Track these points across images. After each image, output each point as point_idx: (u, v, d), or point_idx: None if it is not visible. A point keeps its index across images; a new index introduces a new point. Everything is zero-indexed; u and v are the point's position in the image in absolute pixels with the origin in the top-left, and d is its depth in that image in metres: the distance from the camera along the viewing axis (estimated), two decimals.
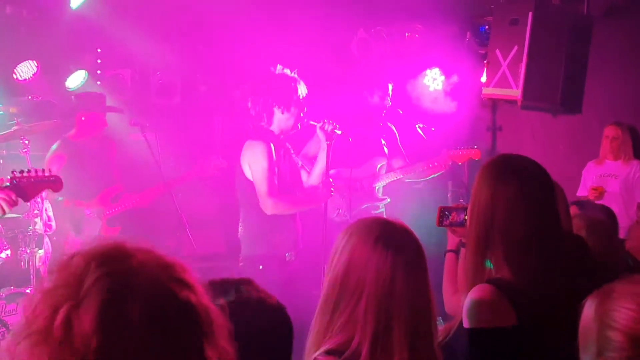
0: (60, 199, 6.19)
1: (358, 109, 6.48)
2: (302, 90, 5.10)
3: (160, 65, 7.80)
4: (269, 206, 4.95)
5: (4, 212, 3.87)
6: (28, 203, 5.50)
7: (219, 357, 1.25)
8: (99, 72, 7.48)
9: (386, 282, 2.17)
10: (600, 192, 6.47)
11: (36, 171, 4.07)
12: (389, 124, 6.51)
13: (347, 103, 6.83)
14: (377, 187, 6.34)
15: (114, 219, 6.47)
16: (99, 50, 7.53)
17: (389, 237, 2.23)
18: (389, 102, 6.43)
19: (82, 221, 6.32)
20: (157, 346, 1.18)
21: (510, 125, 7.90)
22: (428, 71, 7.74)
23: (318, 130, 5.19)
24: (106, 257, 1.24)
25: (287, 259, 5.10)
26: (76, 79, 7.16)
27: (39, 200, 5.61)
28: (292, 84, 5.07)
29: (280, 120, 5.08)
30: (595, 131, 6.88)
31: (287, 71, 5.11)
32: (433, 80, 7.70)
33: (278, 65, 5.10)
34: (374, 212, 6.31)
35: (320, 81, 7.31)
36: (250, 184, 5.01)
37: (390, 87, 6.44)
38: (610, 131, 6.65)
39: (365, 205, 6.30)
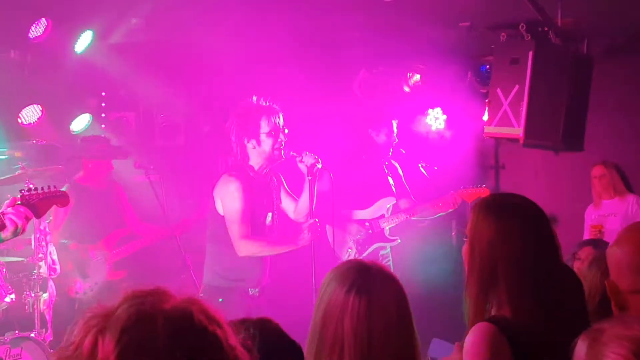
0: (65, 242, 6.24)
1: (363, 147, 6.54)
2: (277, 119, 4.96)
3: (164, 107, 7.85)
4: (240, 248, 4.86)
5: (23, 230, 3.94)
6: (33, 244, 5.57)
7: None
8: (103, 115, 7.53)
9: (364, 334, 2.15)
10: (599, 229, 6.51)
11: (42, 188, 4.15)
12: (393, 162, 6.58)
13: (351, 142, 6.90)
14: (387, 228, 6.35)
15: (119, 263, 6.49)
16: (103, 93, 7.57)
17: (363, 282, 2.21)
18: (395, 140, 6.49)
19: (88, 264, 6.32)
20: None
21: (512, 163, 7.95)
22: (430, 110, 7.85)
23: (299, 164, 5.02)
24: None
25: (250, 294, 5.02)
26: (81, 123, 7.21)
27: (43, 243, 5.65)
28: (261, 114, 4.94)
29: (254, 153, 4.98)
30: None
31: (262, 102, 4.99)
32: (435, 119, 7.80)
33: (254, 96, 5.02)
34: (382, 253, 6.35)
35: (322, 119, 7.38)
36: (221, 219, 4.91)
37: (394, 124, 6.51)
38: (596, 171, 6.75)
39: (374, 246, 6.31)
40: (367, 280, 2.23)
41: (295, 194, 5.27)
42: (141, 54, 7.09)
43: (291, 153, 5.00)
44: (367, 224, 6.31)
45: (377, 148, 6.48)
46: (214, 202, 4.96)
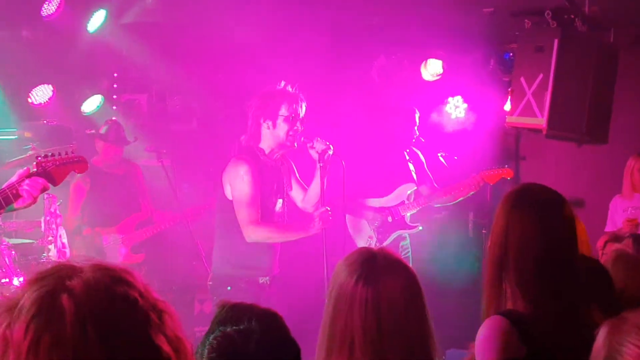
0: (81, 226, 6.29)
1: (384, 135, 6.51)
2: (298, 107, 4.97)
3: (177, 90, 7.85)
4: (249, 234, 4.83)
5: (35, 200, 3.89)
6: (42, 227, 5.59)
7: (170, 344, 1.28)
8: (115, 96, 7.54)
9: (372, 325, 2.15)
10: (635, 223, 6.44)
11: (59, 153, 4.08)
12: (414, 149, 6.55)
13: (370, 129, 6.89)
14: (407, 215, 6.34)
15: (138, 246, 6.55)
16: (115, 74, 7.59)
17: (370, 271, 2.21)
18: (417, 128, 6.47)
19: (103, 250, 6.38)
20: (92, 339, 1.22)
21: (534, 154, 7.89)
22: (450, 99, 7.78)
23: (310, 150, 5.01)
24: (43, 273, 1.30)
25: (260, 283, 5.01)
26: (92, 104, 7.22)
27: (53, 226, 5.66)
28: (284, 98, 4.95)
29: (267, 135, 4.98)
30: (621, 161, 6.85)
31: (289, 88, 5.00)
32: (455, 108, 7.73)
33: (282, 82, 5.02)
34: (402, 244, 6.34)
35: (340, 106, 7.38)
36: (230, 204, 4.90)
37: (417, 112, 6.50)
38: (636, 163, 6.65)
39: (395, 234, 6.31)
40: (374, 269, 2.23)
41: (306, 184, 5.26)
42: (155, 34, 7.10)
43: (302, 139, 4.99)
44: (385, 211, 6.30)
45: (397, 135, 6.46)
46: (223, 187, 4.95)
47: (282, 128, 4.94)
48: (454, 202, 6.36)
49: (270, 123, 4.93)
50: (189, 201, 6.74)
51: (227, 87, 7.73)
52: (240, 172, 4.85)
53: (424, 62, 7.59)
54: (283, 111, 4.93)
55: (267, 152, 5.01)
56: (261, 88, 5.14)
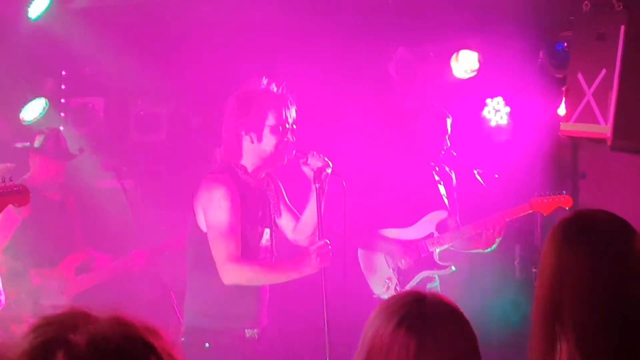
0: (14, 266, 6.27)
1: (405, 148, 6.54)
2: (288, 113, 4.97)
3: (141, 92, 7.93)
4: (227, 274, 4.80)
5: None
6: None
7: None
8: (63, 100, 7.63)
9: None
10: None
11: None
12: (446, 168, 6.60)
13: (387, 141, 7.04)
14: (436, 251, 6.36)
15: (81, 297, 6.53)
16: (63, 72, 7.66)
17: (416, 316, 2.22)
18: (448, 141, 6.48)
19: (43, 295, 6.38)
20: None
21: (596, 171, 7.87)
22: (489, 101, 7.83)
23: (303, 168, 4.99)
24: (48, 320, 1.32)
25: (247, 336, 5.01)
26: (34, 110, 7.24)
27: None
28: (270, 103, 4.94)
29: (250, 150, 4.98)
30: None
31: (273, 87, 4.99)
32: (495, 112, 7.77)
33: (264, 78, 4.99)
34: (429, 286, 6.34)
35: (346, 111, 7.43)
36: (204, 237, 4.87)
37: (449, 121, 6.50)
38: None
39: (421, 275, 6.34)
40: (421, 314, 2.24)
41: (299, 210, 5.24)
42: (114, 22, 7.11)
43: (294, 153, 4.98)
44: (410, 246, 6.33)
45: (423, 147, 6.50)
46: (195, 214, 4.92)
47: (269, 141, 4.94)
48: (489, 248, 6.35)
49: (254, 136, 4.93)
50: (157, 234, 6.76)
51: (204, 87, 7.73)
52: (216, 195, 4.83)
53: (454, 54, 7.60)
54: (270, 120, 4.93)
55: (250, 170, 5.00)
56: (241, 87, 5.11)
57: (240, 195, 4.89)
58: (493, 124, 7.81)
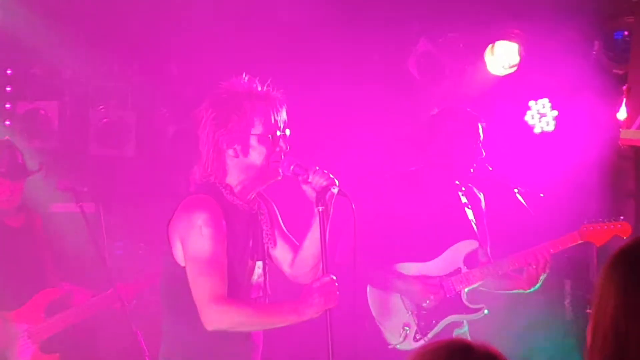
0: None
1: (428, 163, 6.42)
2: (277, 117, 4.88)
3: (104, 95, 7.96)
4: (211, 318, 4.65)
5: None
6: None
7: None
8: (7, 105, 7.69)
9: None
10: None
11: None
12: (474, 188, 6.54)
13: (402, 153, 7.03)
14: (465, 291, 6.29)
15: (50, 342, 6.56)
16: (8, 71, 7.70)
17: None
18: (481, 151, 6.35)
19: (11, 344, 6.46)
20: None
21: None
22: (532, 103, 7.85)
23: (304, 187, 4.85)
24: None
25: None
26: None
27: None
28: (255, 107, 4.83)
29: (235, 166, 4.87)
30: None
31: (257, 86, 4.87)
32: (540, 117, 7.80)
33: (244, 75, 4.87)
34: (457, 333, 6.30)
35: (353, 116, 7.39)
36: (181, 273, 4.73)
37: (480, 126, 6.39)
38: None
39: (447, 320, 6.25)
40: None
41: (297, 238, 5.14)
42: (70, 9, 7.20)
43: (291, 168, 4.81)
44: (433, 284, 6.19)
45: (449, 163, 6.37)
46: (171, 245, 4.76)
47: (258, 152, 4.82)
48: (531, 286, 6.24)
49: (238, 148, 4.80)
50: (125, 270, 6.78)
51: (182, 88, 7.77)
52: (197, 221, 4.68)
53: (489, 46, 7.66)
54: (257, 127, 4.81)
55: (236, 190, 4.87)
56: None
57: (227, 221, 4.75)
58: (537, 130, 7.82)
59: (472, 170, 6.43)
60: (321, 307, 4.66)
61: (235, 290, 4.76)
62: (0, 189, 6.60)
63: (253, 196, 4.92)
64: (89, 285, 6.81)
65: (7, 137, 6.91)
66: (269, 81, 4.85)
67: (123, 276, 6.62)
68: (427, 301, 6.12)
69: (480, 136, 6.40)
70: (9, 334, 6.47)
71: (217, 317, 4.64)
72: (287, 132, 4.89)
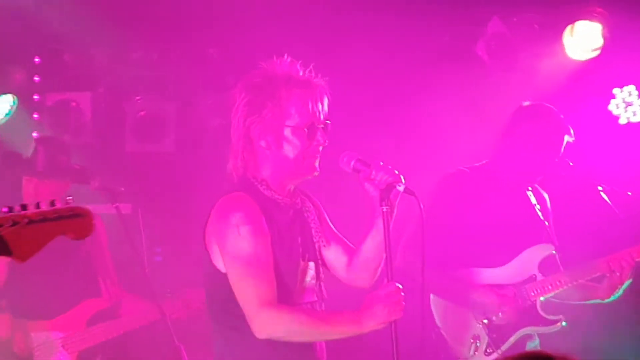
0: None
1: (500, 159, 6.39)
2: (317, 106, 4.79)
3: (140, 85, 8.01)
4: (261, 325, 4.59)
5: None
6: None
7: None
8: (36, 97, 7.75)
9: None
10: None
11: (40, 205, 3.75)
12: (538, 187, 6.49)
13: (468, 146, 7.08)
14: (539, 300, 6.21)
15: (89, 355, 6.62)
16: (36, 59, 7.75)
17: None
18: (571, 132, 6.30)
19: (45, 352, 6.52)
20: None
21: None
22: (617, 91, 7.82)
23: (365, 185, 4.78)
24: None
25: None
26: None
27: None
28: (292, 92, 4.75)
29: (266, 160, 4.80)
30: None
31: (299, 70, 4.78)
32: (626, 106, 7.80)
33: (285, 56, 4.77)
34: (529, 345, 6.31)
35: (411, 105, 7.30)
36: (222, 278, 4.68)
37: (566, 138, 6.28)
38: None
39: (520, 333, 6.21)
40: None
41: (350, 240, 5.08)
42: None
43: (352, 164, 4.76)
44: (506, 293, 6.20)
45: (522, 162, 6.32)
46: (209, 251, 4.73)
47: (293, 144, 4.75)
48: (611, 295, 6.21)
49: (270, 140, 4.74)
50: (167, 278, 6.84)
51: (224, 76, 7.75)
52: (232, 220, 4.63)
53: (569, 26, 7.62)
54: (293, 119, 4.74)
55: (272, 184, 4.81)
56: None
57: (267, 218, 4.69)
58: (623, 121, 7.80)
59: (544, 174, 6.43)
60: (385, 318, 4.59)
61: (286, 294, 4.71)
62: (39, 191, 6.58)
63: (292, 189, 4.86)
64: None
65: (34, 132, 6.87)
66: (311, 66, 4.77)
67: (164, 285, 6.61)
68: (500, 314, 6.13)
69: (562, 144, 6.33)
70: (44, 342, 6.49)
71: (269, 324, 4.58)
72: (327, 123, 4.84)
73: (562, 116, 6.31)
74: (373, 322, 4.61)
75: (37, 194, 6.50)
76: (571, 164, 6.51)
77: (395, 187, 4.67)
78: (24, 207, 3.42)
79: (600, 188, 6.62)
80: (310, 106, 4.72)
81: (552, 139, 6.23)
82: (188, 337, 6.32)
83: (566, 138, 6.26)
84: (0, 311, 6.49)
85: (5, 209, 3.39)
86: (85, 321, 6.58)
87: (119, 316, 6.69)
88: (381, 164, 4.71)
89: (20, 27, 7.10)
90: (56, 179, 6.56)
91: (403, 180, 4.68)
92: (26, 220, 3.40)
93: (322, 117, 4.75)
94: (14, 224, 3.41)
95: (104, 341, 6.61)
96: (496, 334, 6.12)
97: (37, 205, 3.46)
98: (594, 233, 6.72)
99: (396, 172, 4.69)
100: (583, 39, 7.53)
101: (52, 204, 3.48)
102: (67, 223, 3.53)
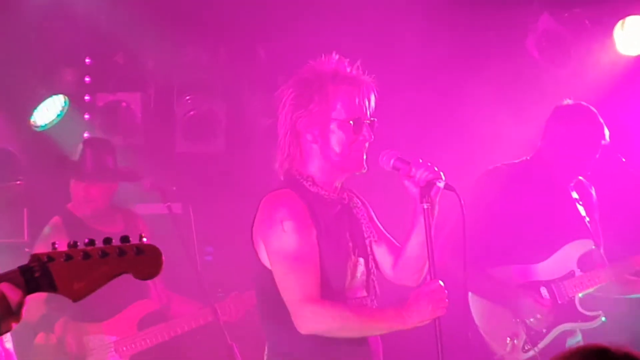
0: (50, 316, 6.45)
1: (544, 157, 6.39)
2: (364, 102, 4.81)
3: (191, 85, 7.97)
4: (304, 320, 4.63)
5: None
6: None
7: None
8: (87, 97, 7.71)
9: None
10: None
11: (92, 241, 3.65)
12: (585, 182, 6.49)
13: (515, 145, 6.99)
14: (578, 296, 6.22)
15: (141, 356, 6.70)
16: (87, 60, 7.73)
17: None
18: (605, 140, 6.28)
19: (97, 356, 6.58)
20: None
21: None
22: None
23: (405, 182, 4.78)
24: None
25: None
26: (49, 112, 7.42)
27: None
28: (339, 88, 4.77)
29: (312, 155, 4.82)
30: None
31: (347, 67, 4.82)
32: None
33: (334, 54, 4.81)
34: (570, 342, 6.25)
35: (456, 100, 7.37)
36: (269, 275, 4.74)
37: (606, 135, 6.32)
38: None
39: (559, 329, 6.20)
40: None
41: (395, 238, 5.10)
42: None
43: (392, 162, 4.78)
44: (544, 289, 6.23)
45: (559, 157, 6.32)
46: (256, 248, 4.79)
47: (339, 139, 4.78)
48: None
49: (316, 132, 4.78)
50: (218, 279, 6.92)
51: (275, 75, 7.60)
52: (277, 217, 4.68)
53: (620, 21, 7.54)
54: (339, 112, 4.77)
55: (318, 180, 4.83)
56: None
57: (313, 214, 4.74)
58: None
59: (582, 173, 6.44)
60: (429, 314, 4.65)
61: (336, 289, 4.76)
62: (87, 193, 6.66)
63: (339, 185, 4.88)
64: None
65: (86, 133, 6.88)
66: (358, 63, 4.80)
67: (215, 285, 6.69)
68: (532, 319, 6.16)
69: (599, 147, 6.32)
70: (98, 345, 6.55)
71: (311, 320, 4.63)
72: (374, 120, 4.86)
73: (600, 118, 6.29)
74: (417, 319, 4.65)
75: (86, 196, 6.63)
76: (624, 160, 6.52)
77: (435, 183, 4.69)
78: (91, 242, 3.32)
79: None
80: (357, 101, 4.75)
81: (588, 141, 6.23)
82: (240, 337, 6.30)
83: (602, 142, 6.27)
84: (53, 313, 6.49)
85: (68, 243, 3.26)
86: (136, 323, 6.66)
87: (170, 318, 6.74)
88: (420, 161, 4.72)
89: (71, 28, 7.12)
90: (103, 181, 6.61)
91: (443, 177, 4.72)
92: (80, 255, 3.24)
93: (368, 113, 4.79)
94: (68, 258, 3.28)
95: (155, 344, 6.67)
96: (534, 331, 6.15)
97: (108, 241, 3.29)
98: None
99: (436, 168, 4.71)
100: (634, 34, 7.44)
101: (126, 240, 3.30)
102: (131, 260, 3.34)
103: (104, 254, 3.24)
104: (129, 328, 6.64)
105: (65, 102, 7.33)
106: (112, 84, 7.75)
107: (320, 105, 4.73)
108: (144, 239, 3.32)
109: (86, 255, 3.17)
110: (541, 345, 6.09)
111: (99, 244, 3.35)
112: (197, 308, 6.65)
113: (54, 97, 7.32)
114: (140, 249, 3.32)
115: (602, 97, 6.72)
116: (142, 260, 3.34)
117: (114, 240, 3.28)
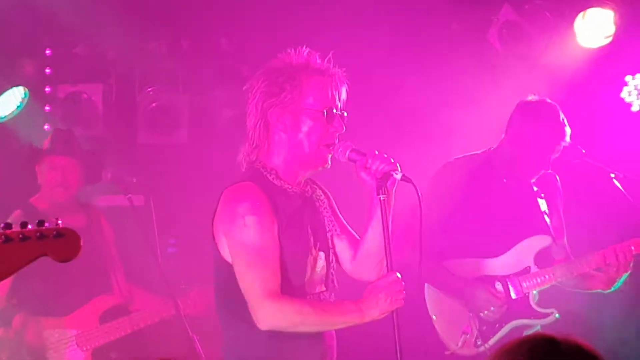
0: (9, 311, 6.48)
1: (498, 149, 6.42)
2: (335, 94, 4.78)
3: (153, 77, 7.98)
4: (263, 316, 4.61)
5: None
6: None
7: None
8: (47, 89, 7.72)
9: None
10: None
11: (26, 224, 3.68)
12: (550, 174, 6.49)
13: (470, 135, 7.07)
14: (534, 293, 6.25)
15: (103, 351, 6.64)
16: (47, 51, 7.73)
17: None
18: (566, 137, 6.31)
19: (43, 354, 6.50)
20: None
21: None
22: (629, 78, 7.74)
23: (361, 174, 4.76)
24: None
25: None
26: (9, 103, 7.40)
27: None
28: (310, 80, 4.75)
29: (280, 146, 4.80)
30: None
31: (318, 60, 4.79)
32: (638, 93, 7.71)
33: (304, 48, 4.78)
34: (528, 332, 6.23)
35: (417, 92, 7.33)
36: (230, 269, 4.71)
37: (567, 133, 6.29)
38: None
39: (511, 325, 6.25)
40: None
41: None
42: None
43: (347, 154, 4.75)
44: (498, 284, 6.26)
45: (518, 154, 6.37)
46: (216, 242, 4.77)
47: (308, 130, 4.75)
48: (610, 286, 6.25)
49: (288, 122, 4.74)
50: (180, 272, 6.89)
51: (237, 66, 7.76)
52: (238, 210, 4.65)
53: (581, 13, 7.53)
54: (311, 102, 4.74)
55: (282, 173, 4.81)
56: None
57: (275, 208, 4.71)
58: (635, 108, 7.71)
59: (556, 155, 6.38)
60: (386, 307, 4.66)
61: (295, 284, 4.75)
62: (55, 169, 6.63)
63: (303, 180, 4.87)
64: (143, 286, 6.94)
65: (46, 125, 6.88)
66: (329, 55, 4.77)
67: (177, 277, 6.67)
68: (486, 312, 6.19)
69: (558, 148, 6.34)
70: (58, 340, 6.53)
71: (271, 316, 4.61)
72: (345, 114, 4.83)
73: (563, 118, 6.31)
74: (375, 312, 4.65)
75: (50, 171, 6.61)
76: (584, 151, 6.54)
77: (391, 175, 4.68)
78: (8, 225, 3.39)
79: (612, 175, 6.63)
80: (329, 92, 4.74)
81: (550, 141, 6.26)
82: (203, 329, 6.31)
83: (562, 143, 6.29)
84: (12, 309, 6.50)
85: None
86: (98, 317, 6.63)
87: (132, 312, 6.73)
88: (377, 152, 4.71)
89: (31, 19, 7.08)
90: (70, 154, 6.59)
91: (399, 168, 4.71)
92: (2, 239, 3.33)
93: (339, 105, 4.78)
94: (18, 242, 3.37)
95: (117, 338, 6.64)
96: (487, 325, 6.20)
97: (24, 225, 3.41)
98: (607, 221, 6.69)
99: (392, 160, 4.70)
100: (595, 26, 7.45)
101: (41, 224, 3.44)
102: (50, 243, 3.45)
103: (25, 237, 3.36)
104: (90, 322, 6.61)
105: (25, 93, 7.34)
106: (73, 75, 7.74)
107: (292, 94, 4.71)
108: (60, 222, 3.47)
109: (7, 238, 3.35)
110: (492, 341, 6.14)
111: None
112: (159, 302, 6.66)
113: (14, 88, 7.32)
114: (60, 233, 3.48)
115: (563, 89, 6.74)
116: (61, 243, 3.51)
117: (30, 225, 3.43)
